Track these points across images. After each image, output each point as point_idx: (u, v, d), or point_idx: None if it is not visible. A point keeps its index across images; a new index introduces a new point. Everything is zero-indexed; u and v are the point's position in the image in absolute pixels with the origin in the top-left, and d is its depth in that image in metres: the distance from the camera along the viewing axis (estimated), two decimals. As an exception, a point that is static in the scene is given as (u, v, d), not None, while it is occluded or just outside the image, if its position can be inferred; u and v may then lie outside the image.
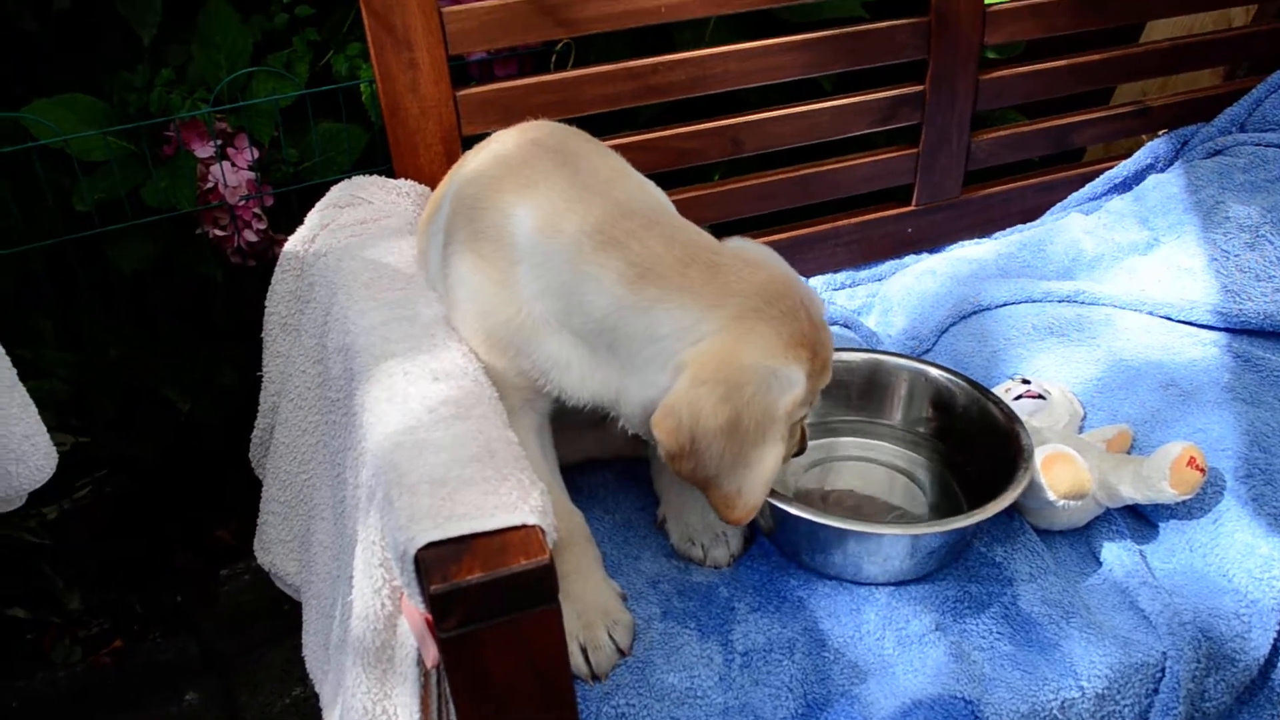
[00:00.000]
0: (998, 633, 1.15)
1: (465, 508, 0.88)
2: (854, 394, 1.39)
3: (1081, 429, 1.40)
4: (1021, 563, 1.22)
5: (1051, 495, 1.19)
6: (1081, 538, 1.29)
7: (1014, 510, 1.27)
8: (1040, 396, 1.38)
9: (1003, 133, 1.78)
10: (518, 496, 0.90)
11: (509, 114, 1.47)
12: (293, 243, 1.41)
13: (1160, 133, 1.88)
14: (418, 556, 0.86)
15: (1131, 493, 1.24)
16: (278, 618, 1.98)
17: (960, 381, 1.34)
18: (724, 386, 1.03)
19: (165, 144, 1.68)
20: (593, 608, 1.13)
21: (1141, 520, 1.31)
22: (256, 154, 1.68)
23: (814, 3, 1.66)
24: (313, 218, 1.42)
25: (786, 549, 1.22)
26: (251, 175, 1.67)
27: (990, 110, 1.79)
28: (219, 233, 1.68)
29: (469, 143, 1.47)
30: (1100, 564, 1.25)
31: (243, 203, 1.67)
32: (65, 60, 1.78)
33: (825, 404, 1.38)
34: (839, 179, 1.71)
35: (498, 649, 0.86)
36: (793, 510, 1.15)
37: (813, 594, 1.18)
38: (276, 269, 1.43)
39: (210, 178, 1.65)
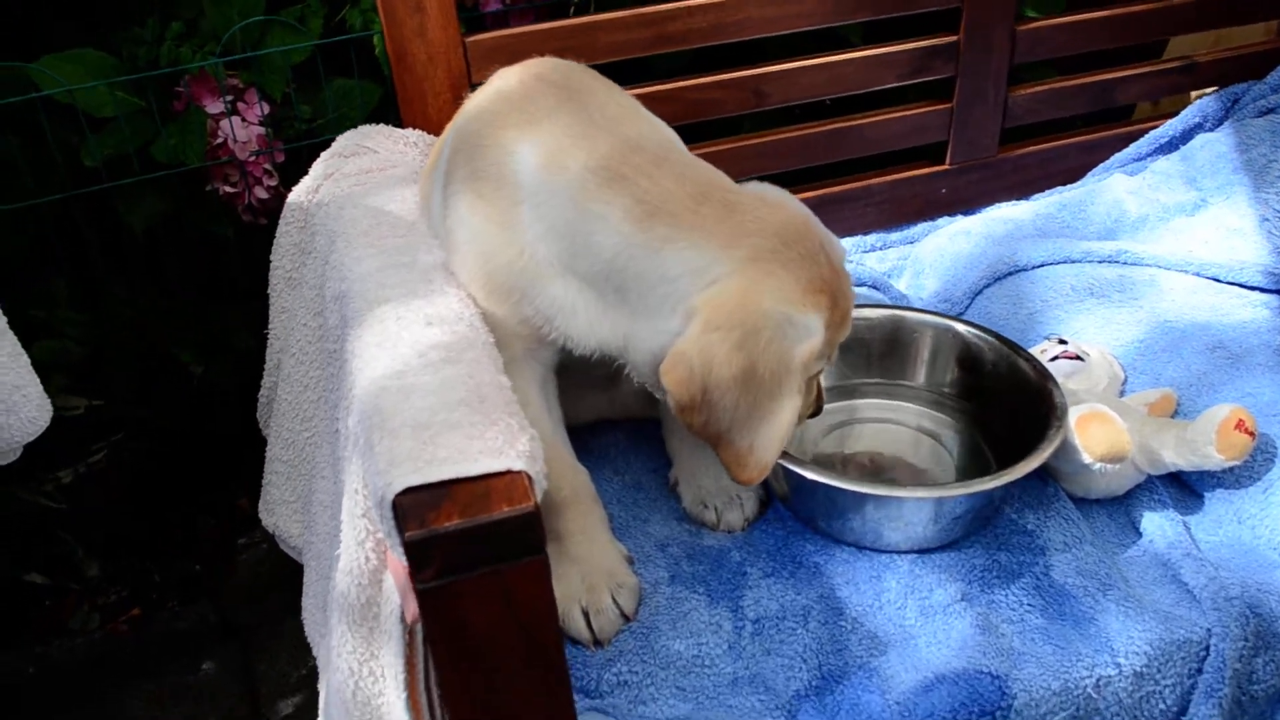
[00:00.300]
0: (1028, 604, 1.08)
1: (447, 451, 0.82)
2: (875, 353, 1.32)
3: (1122, 393, 1.32)
4: (1055, 531, 1.15)
5: (1087, 457, 1.12)
6: (1121, 507, 1.21)
7: (1047, 475, 1.20)
8: (1078, 358, 1.30)
9: (1041, 88, 1.69)
10: (504, 441, 0.84)
11: (520, 60, 1.40)
12: (296, 193, 1.36)
13: (1209, 90, 1.78)
14: (395, 502, 0.81)
15: (1174, 458, 1.16)
16: (296, 587, 1.94)
17: (988, 337, 1.27)
18: (738, 333, 0.97)
19: (175, 100, 1.64)
20: (596, 570, 1.07)
21: (1185, 489, 1.23)
22: (267, 109, 1.64)
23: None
24: (317, 167, 1.37)
25: (802, 515, 1.16)
26: (262, 131, 1.63)
27: (1029, 64, 1.70)
28: (229, 189, 1.64)
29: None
30: (1140, 535, 1.18)
31: (253, 158, 1.62)
32: (77, 15, 1.75)
33: (844, 364, 1.32)
34: (868, 134, 1.63)
35: (478, 602, 0.80)
36: (808, 474, 1.09)
37: (830, 560, 1.12)
38: (280, 221, 1.38)
39: (220, 133, 1.61)
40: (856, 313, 1.27)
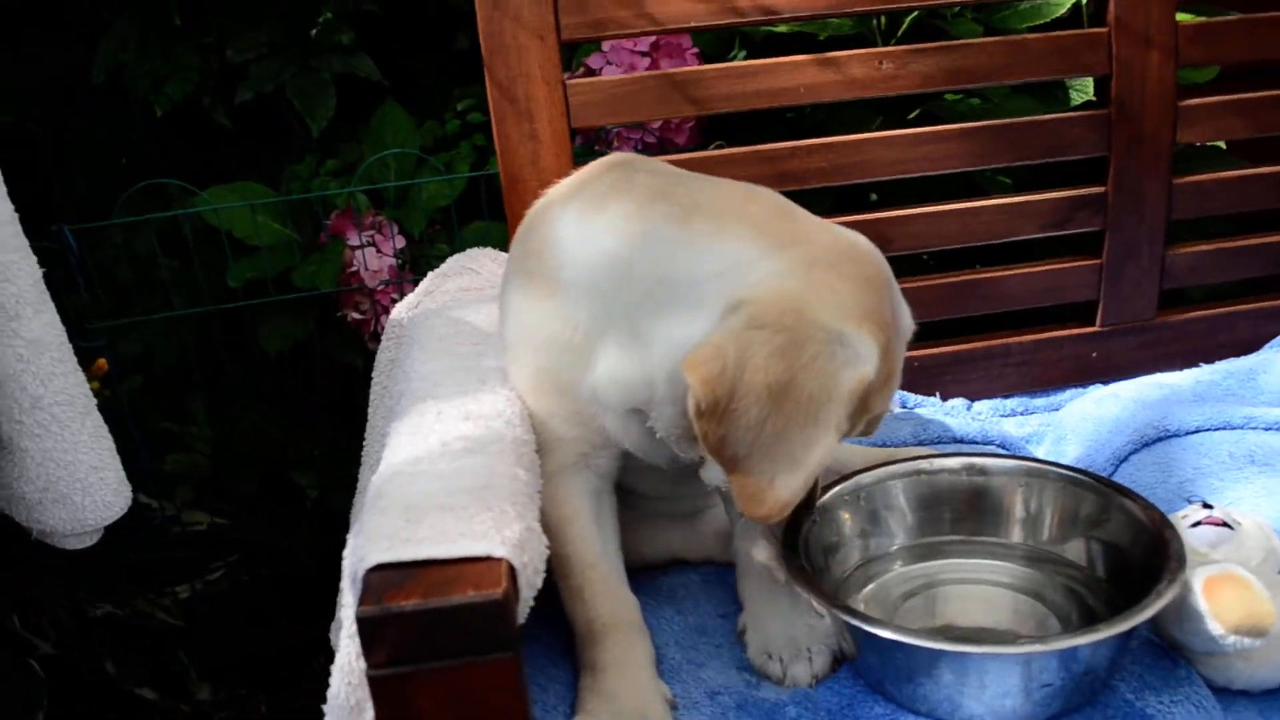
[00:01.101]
0: (1143, 805, 0.90)
1: (429, 532, 0.76)
2: (958, 509, 1.18)
3: (1282, 573, 1.13)
4: (1182, 719, 0.96)
5: (1217, 627, 0.94)
6: (1274, 702, 1.01)
7: (1179, 655, 1.02)
8: (1226, 525, 1.12)
9: (1205, 247, 1.55)
10: (493, 526, 0.77)
11: (630, 192, 1.40)
12: (397, 310, 1.37)
13: None
14: (364, 580, 0.75)
15: (1336, 643, 0.97)
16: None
17: (1088, 480, 1.12)
18: (784, 337, 0.85)
19: (321, 232, 1.72)
20: (628, 710, 0.96)
21: (1358, 689, 1.02)
22: (401, 244, 1.69)
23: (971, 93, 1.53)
24: (421, 286, 1.38)
25: (869, 677, 1.02)
26: (394, 262, 1.67)
27: (1193, 220, 1.57)
28: (357, 316, 1.68)
29: (588, 220, 1.42)
30: (1294, 737, 0.98)
31: (381, 287, 1.66)
32: (247, 151, 1.88)
33: (922, 525, 1.18)
34: (1008, 288, 1.52)
35: (435, 700, 0.72)
36: (865, 626, 0.96)
37: (898, 724, 0.97)
38: (383, 338, 1.39)
39: (354, 262, 1.66)
40: (934, 464, 1.18)
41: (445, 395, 1.02)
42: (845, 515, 1.16)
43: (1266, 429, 1.31)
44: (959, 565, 1.17)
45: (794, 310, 0.86)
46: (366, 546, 0.76)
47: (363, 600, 0.71)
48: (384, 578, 0.74)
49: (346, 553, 0.80)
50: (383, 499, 0.83)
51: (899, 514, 1.18)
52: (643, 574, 1.21)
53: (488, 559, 0.74)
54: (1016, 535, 1.17)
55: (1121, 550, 1.09)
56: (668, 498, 1.19)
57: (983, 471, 1.18)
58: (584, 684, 0.99)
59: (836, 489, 1.16)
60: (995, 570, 1.16)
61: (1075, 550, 1.13)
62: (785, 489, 0.88)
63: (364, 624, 0.70)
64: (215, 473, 1.78)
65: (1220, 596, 0.94)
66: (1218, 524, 1.12)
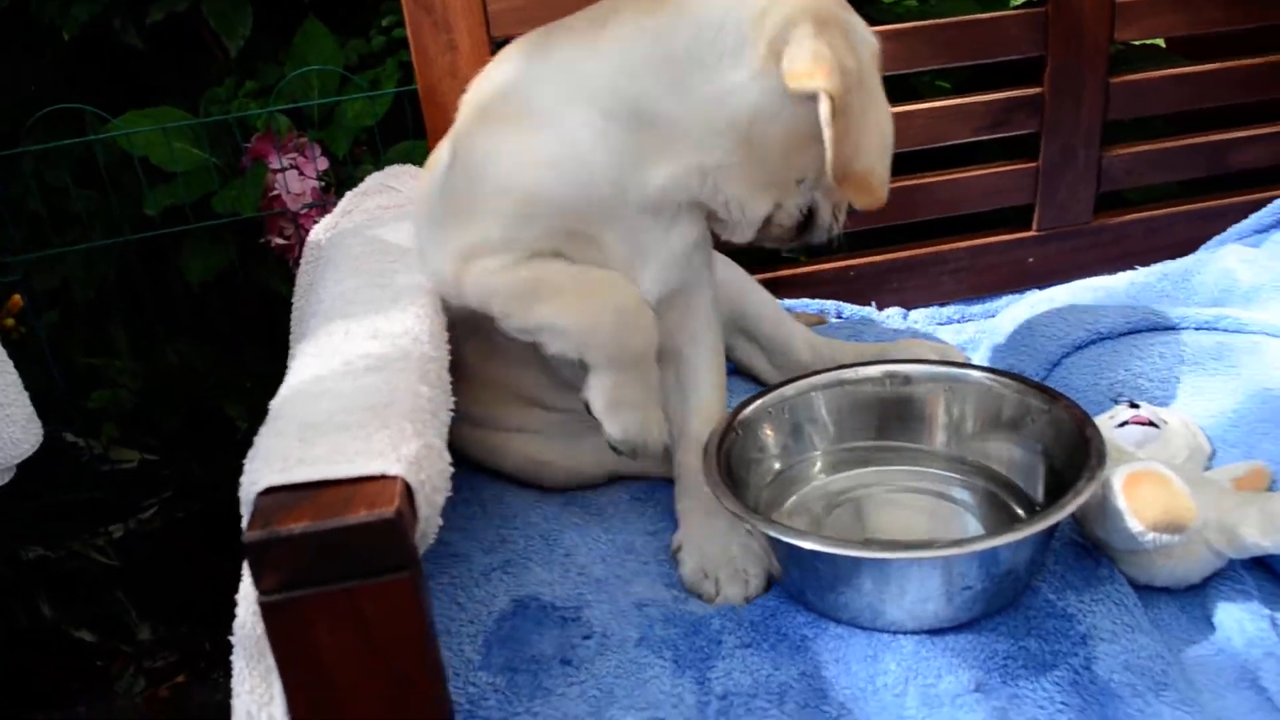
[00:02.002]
0: (1061, 702, 0.89)
1: (323, 451, 0.74)
2: (881, 417, 1.17)
3: (1208, 468, 1.13)
4: (1103, 617, 0.96)
5: (1136, 524, 0.94)
6: (1195, 598, 1.01)
7: (1100, 553, 1.02)
8: (1152, 424, 1.12)
9: (1141, 148, 1.53)
10: (389, 444, 0.74)
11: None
12: (315, 232, 1.32)
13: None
14: (255, 504, 0.72)
15: (1259, 537, 0.96)
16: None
17: (1010, 382, 1.12)
18: (840, 29, 0.96)
19: (243, 156, 1.66)
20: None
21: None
22: (325, 166, 1.64)
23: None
24: (340, 206, 1.34)
25: (791, 588, 1.01)
26: (317, 184, 1.62)
27: (1132, 121, 1.55)
28: (281, 241, 1.63)
29: (510, 134, 1.37)
30: (1215, 630, 0.98)
31: (305, 210, 1.61)
32: (163, 74, 1.81)
33: (846, 430, 1.17)
34: (944, 194, 1.50)
35: (331, 624, 0.70)
36: (785, 538, 0.94)
37: (821, 635, 0.96)
38: (301, 261, 1.35)
39: (276, 186, 1.61)
40: (856, 372, 1.17)
41: (355, 314, 0.98)
42: (768, 429, 1.14)
43: (1197, 328, 1.31)
44: (883, 473, 1.16)
45: (828, 9, 0.96)
46: (259, 469, 0.74)
47: (251, 524, 0.69)
48: (275, 500, 0.71)
49: (242, 477, 0.78)
50: (279, 420, 0.80)
51: (821, 425, 1.17)
52: (575, 493, 1.20)
53: (382, 477, 0.72)
54: (940, 440, 1.16)
55: (1044, 451, 1.08)
56: None
57: (905, 379, 1.17)
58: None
59: (758, 402, 1.14)
60: (919, 476, 1.15)
61: (999, 453, 1.13)
62: (883, 168, 1.00)
63: (251, 549, 0.68)
64: (142, 408, 1.74)
65: (1139, 494, 0.94)
66: (1144, 423, 1.12)
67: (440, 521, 0.83)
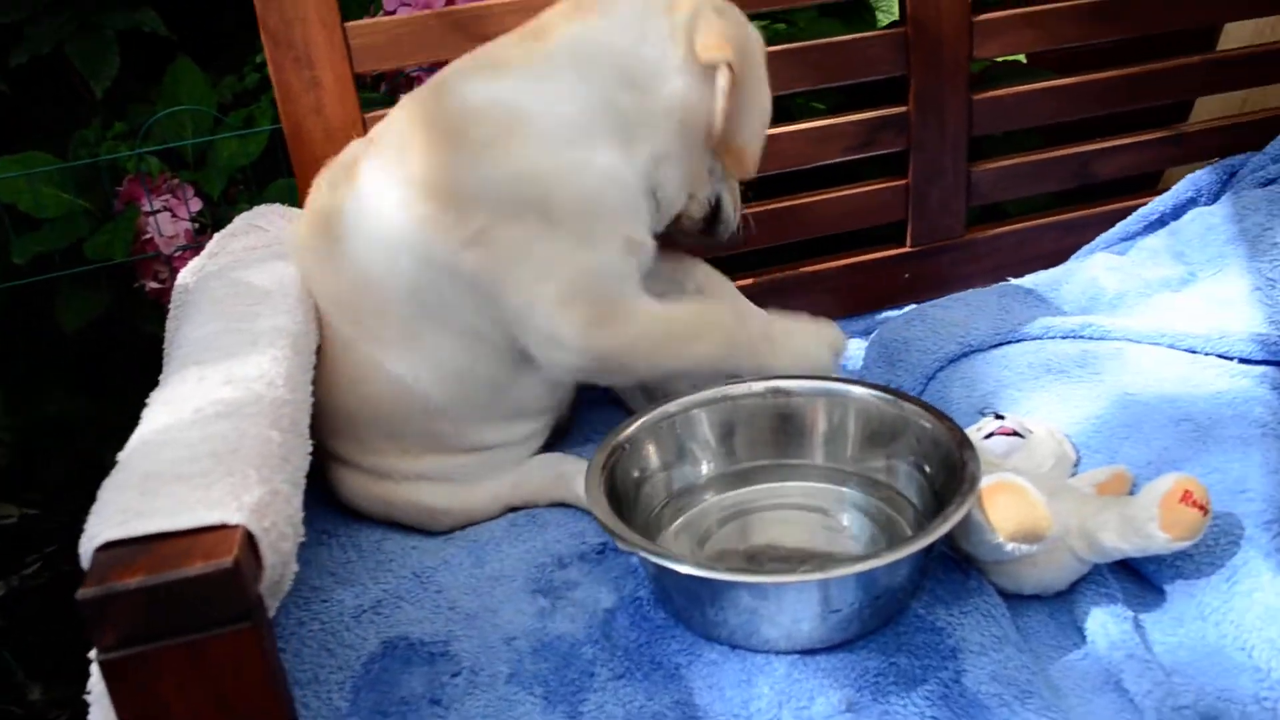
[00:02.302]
0: (931, 716, 0.90)
1: (164, 503, 0.72)
2: (764, 432, 1.18)
3: (1074, 474, 1.15)
4: (971, 630, 0.97)
5: (995, 536, 0.95)
6: (1064, 604, 1.03)
7: (971, 566, 1.03)
8: (1017, 434, 1.14)
9: (1006, 162, 1.57)
10: (231, 493, 0.73)
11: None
12: (183, 275, 1.30)
13: (1214, 160, 1.63)
14: (93, 559, 0.70)
15: (1118, 541, 0.99)
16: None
17: (888, 397, 1.13)
18: (735, 18, 1.13)
19: (115, 200, 1.62)
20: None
21: (1143, 583, 1.05)
22: (198, 207, 1.61)
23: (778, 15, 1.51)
24: (207, 248, 1.31)
25: (669, 609, 1.01)
26: (190, 226, 1.59)
27: (1009, 136, 1.58)
28: (155, 285, 1.60)
29: (381, 169, 1.36)
30: (1082, 635, 1.00)
31: (179, 253, 1.58)
32: (31, 118, 1.77)
33: (730, 446, 1.18)
34: (820, 214, 1.52)
35: (174, 679, 0.68)
36: (661, 561, 0.94)
37: (695, 660, 0.96)
38: (170, 305, 1.32)
39: (148, 229, 1.58)
40: (738, 389, 1.17)
41: (211, 360, 0.97)
42: (650, 448, 1.14)
43: (1063, 337, 1.34)
44: (768, 490, 1.17)
45: (723, 3, 1.13)
46: (98, 524, 0.72)
47: (86, 581, 0.67)
48: (113, 555, 0.69)
49: (82, 534, 0.76)
50: (122, 471, 0.78)
51: (703, 442, 1.17)
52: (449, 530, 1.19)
53: (222, 527, 0.70)
54: (821, 456, 1.17)
55: (920, 466, 1.10)
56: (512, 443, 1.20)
57: (786, 393, 1.17)
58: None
59: (641, 421, 1.14)
60: (802, 492, 1.16)
61: (877, 468, 1.14)
62: (758, 148, 1.19)
63: (87, 606, 0.66)
64: (20, 461, 1.68)
65: (996, 506, 0.96)
66: (1009, 433, 1.15)
67: (297, 567, 0.82)
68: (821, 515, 1.14)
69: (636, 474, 1.13)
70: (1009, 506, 0.95)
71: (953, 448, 1.05)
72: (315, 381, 1.09)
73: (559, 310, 1.07)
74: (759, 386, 1.17)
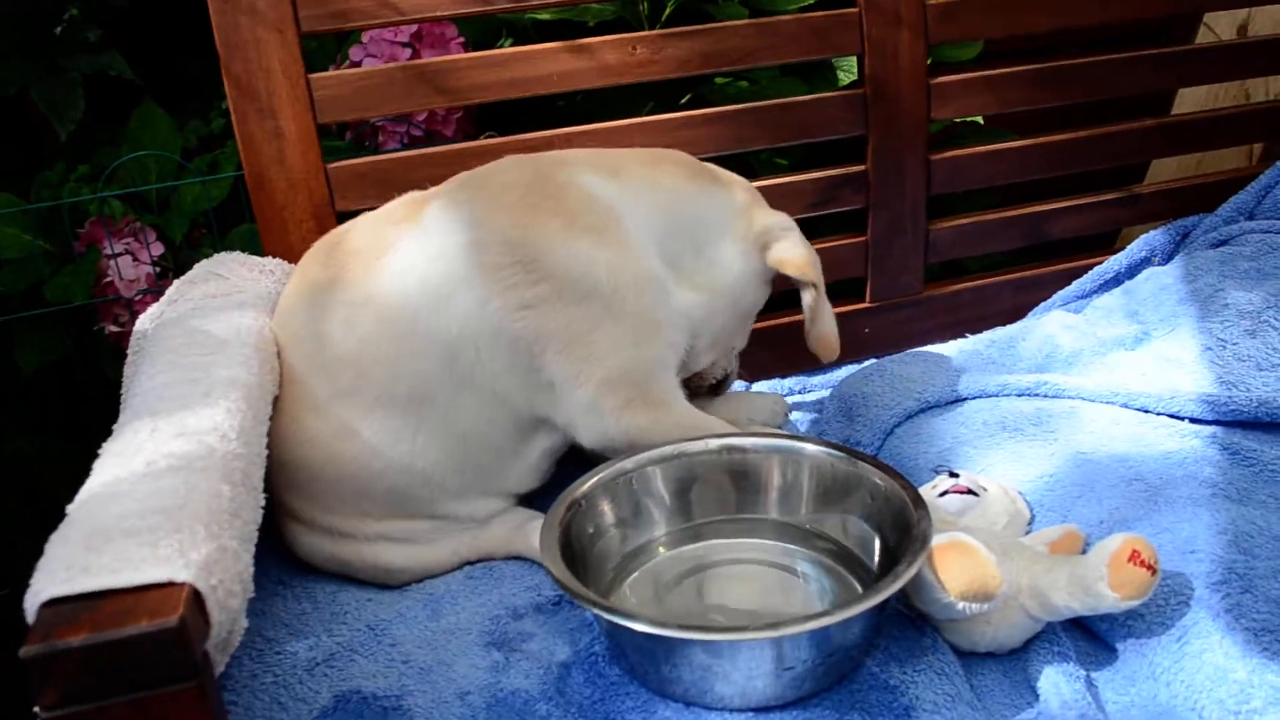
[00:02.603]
0: (884, 774, 0.91)
1: (110, 560, 0.71)
2: (718, 490, 1.18)
3: (1028, 533, 1.16)
4: (925, 688, 0.97)
5: (946, 595, 0.96)
6: (1018, 662, 1.04)
7: (926, 624, 1.04)
8: (971, 492, 1.15)
9: (964, 221, 1.59)
10: (178, 550, 0.72)
11: (386, 187, 1.35)
12: (141, 321, 1.29)
13: (1168, 220, 1.66)
14: (38, 616, 0.69)
15: (1068, 600, 0.99)
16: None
17: (841, 455, 1.14)
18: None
19: (76, 242, 1.62)
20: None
21: (1097, 642, 1.06)
22: (160, 250, 1.60)
23: (740, 74, 1.53)
24: (166, 295, 1.31)
25: (623, 666, 1.01)
26: (151, 270, 1.59)
27: (965, 194, 1.61)
28: (115, 329, 1.59)
29: (344, 218, 1.36)
30: (1035, 694, 1.00)
31: (140, 297, 1.58)
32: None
33: (685, 503, 1.18)
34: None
35: (116, 739, 0.67)
36: (613, 618, 0.94)
37: (650, 718, 0.96)
38: (129, 351, 1.31)
39: (109, 272, 1.57)
40: (692, 446, 1.18)
41: (165, 410, 0.96)
42: (605, 504, 1.14)
43: (1019, 395, 1.35)
44: (723, 546, 1.17)
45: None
46: (43, 580, 0.71)
47: (30, 638, 0.66)
48: (57, 613, 0.68)
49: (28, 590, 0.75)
50: (70, 526, 0.77)
51: (659, 499, 1.17)
52: (405, 585, 1.19)
53: (169, 584, 0.70)
54: (775, 512, 1.17)
55: (874, 524, 1.10)
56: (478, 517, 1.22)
57: (740, 450, 1.18)
58: None
59: (596, 478, 1.14)
60: (757, 549, 1.16)
61: (832, 525, 1.15)
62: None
63: (31, 663, 0.65)
64: (-27, 504, 1.66)
65: (946, 564, 0.96)
66: (963, 491, 1.15)
67: (246, 623, 0.81)
68: (777, 571, 1.14)
69: (592, 530, 1.13)
70: (959, 565, 0.96)
71: (906, 505, 1.05)
72: (277, 440, 1.10)
73: (604, 390, 1.13)
74: (714, 444, 1.18)
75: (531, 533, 1.18)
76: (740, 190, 1.27)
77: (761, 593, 1.12)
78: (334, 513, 1.17)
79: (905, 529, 1.03)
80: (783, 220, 1.27)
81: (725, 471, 1.18)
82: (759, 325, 1.55)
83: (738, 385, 1.52)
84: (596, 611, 0.95)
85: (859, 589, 1.08)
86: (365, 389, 1.13)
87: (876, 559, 1.09)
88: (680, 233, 1.21)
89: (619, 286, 1.13)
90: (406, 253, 1.14)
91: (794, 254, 1.25)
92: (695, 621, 1.06)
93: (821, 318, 1.29)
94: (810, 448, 1.17)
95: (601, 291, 1.12)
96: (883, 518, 1.09)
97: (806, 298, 1.28)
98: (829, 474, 1.15)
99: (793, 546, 1.15)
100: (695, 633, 0.94)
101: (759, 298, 1.29)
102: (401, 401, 1.13)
